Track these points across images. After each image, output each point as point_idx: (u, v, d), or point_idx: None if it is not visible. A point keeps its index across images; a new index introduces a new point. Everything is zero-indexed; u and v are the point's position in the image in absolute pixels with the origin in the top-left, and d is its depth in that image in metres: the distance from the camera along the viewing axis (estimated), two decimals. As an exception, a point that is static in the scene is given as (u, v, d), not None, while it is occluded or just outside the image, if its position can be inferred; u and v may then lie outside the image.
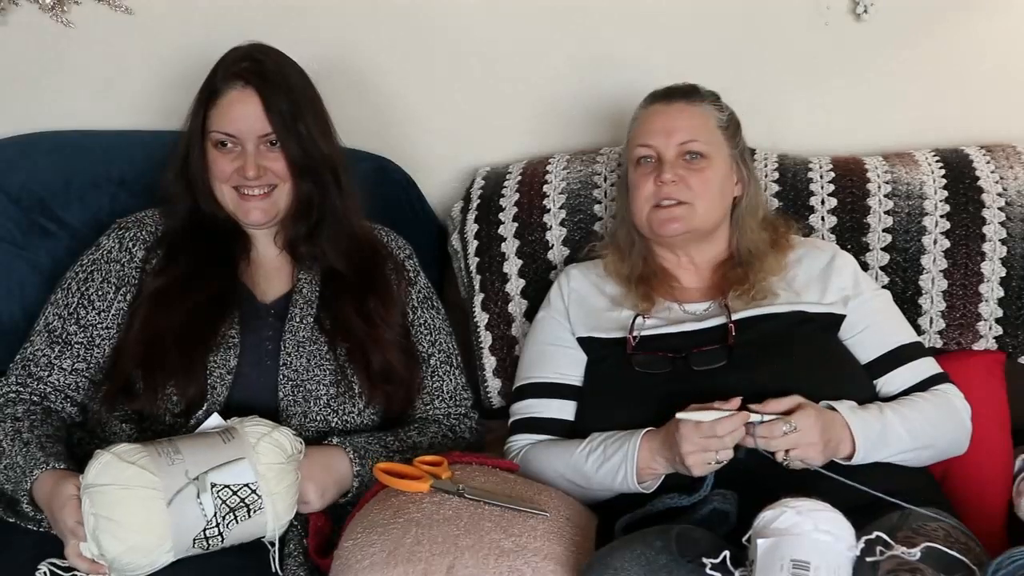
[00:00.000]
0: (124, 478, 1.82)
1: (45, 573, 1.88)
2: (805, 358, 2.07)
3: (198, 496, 1.84)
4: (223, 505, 1.85)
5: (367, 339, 2.16)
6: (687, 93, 2.20)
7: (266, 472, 1.89)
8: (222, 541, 1.87)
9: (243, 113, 2.11)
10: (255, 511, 1.88)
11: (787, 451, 1.90)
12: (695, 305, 2.19)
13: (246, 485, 1.88)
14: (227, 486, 1.86)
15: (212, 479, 1.85)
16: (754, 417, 1.90)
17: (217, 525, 1.85)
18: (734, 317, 2.11)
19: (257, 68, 2.13)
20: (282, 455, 1.92)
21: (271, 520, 1.90)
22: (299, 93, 2.15)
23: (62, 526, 1.87)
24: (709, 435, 1.88)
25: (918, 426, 2.03)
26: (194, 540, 1.85)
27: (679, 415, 1.90)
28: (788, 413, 1.91)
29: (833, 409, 1.98)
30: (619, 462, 2.00)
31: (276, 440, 1.93)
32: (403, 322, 2.24)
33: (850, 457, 1.96)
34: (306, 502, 1.99)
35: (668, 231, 2.15)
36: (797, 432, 1.90)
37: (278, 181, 2.14)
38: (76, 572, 1.88)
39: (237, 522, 1.87)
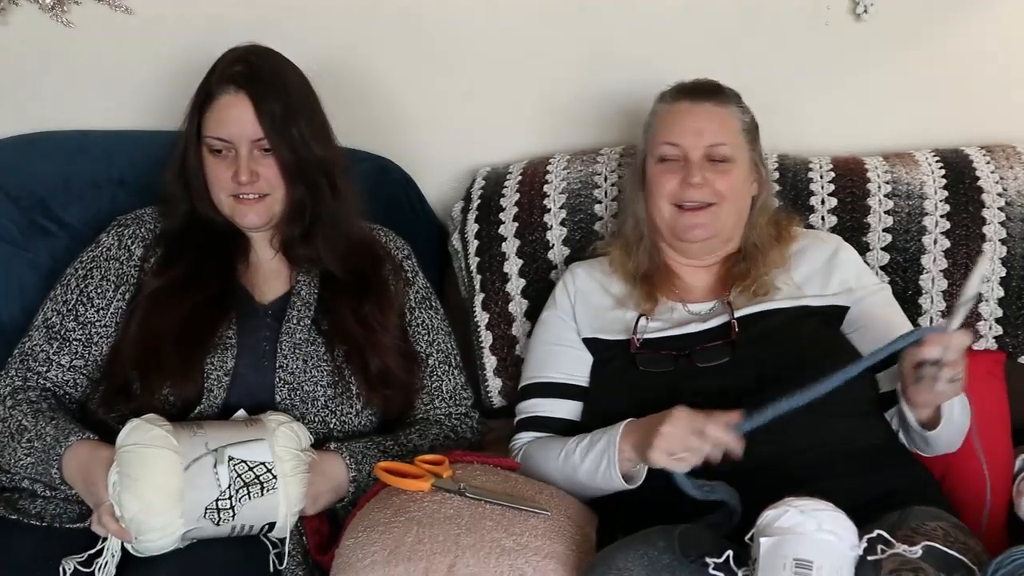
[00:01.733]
0: (147, 438, 1.89)
1: (67, 570, 1.90)
2: (808, 352, 2.06)
3: (215, 466, 1.89)
4: (238, 479, 1.90)
5: (365, 344, 2.16)
6: (714, 93, 2.19)
7: (283, 455, 1.94)
8: (233, 516, 1.90)
9: (235, 117, 2.10)
10: (268, 490, 1.92)
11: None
12: (699, 305, 2.19)
13: (262, 463, 1.92)
14: (244, 461, 1.91)
15: (230, 453, 1.91)
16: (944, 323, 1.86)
17: (230, 498, 1.89)
18: (737, 314, 2.11)
19: (250, 72, 2.12)
20: (299, 442, 1.97)
21: (283, 503, 1.93)
22: (294, 97, 2.14)
23: (100, 487, 1.90)
24: (698, 430, 1.85)
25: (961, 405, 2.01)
26: (206, 509, 1.88)
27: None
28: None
29: None
30: (603, 449, 1.99)
31: (294, 429, 1.98)
32: (401, 324, 2.24)
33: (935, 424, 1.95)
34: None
35: (692, 236, 2.15)
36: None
37: (271, 189, 2.13)
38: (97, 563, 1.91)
39: (250, 498, 1.90)
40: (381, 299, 2.21)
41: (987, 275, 1.84)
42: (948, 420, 1.96)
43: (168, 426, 1.92)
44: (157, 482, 1.87)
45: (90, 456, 1.94)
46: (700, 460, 1.86)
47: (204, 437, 1.91)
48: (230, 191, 2.13)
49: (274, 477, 1.92)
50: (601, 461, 1.99)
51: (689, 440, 1.85)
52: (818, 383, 1.85)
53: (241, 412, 2.04)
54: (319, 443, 2.09)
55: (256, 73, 2.12)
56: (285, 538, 1.99)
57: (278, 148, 2.10)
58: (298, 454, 1.96)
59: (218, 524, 1.90)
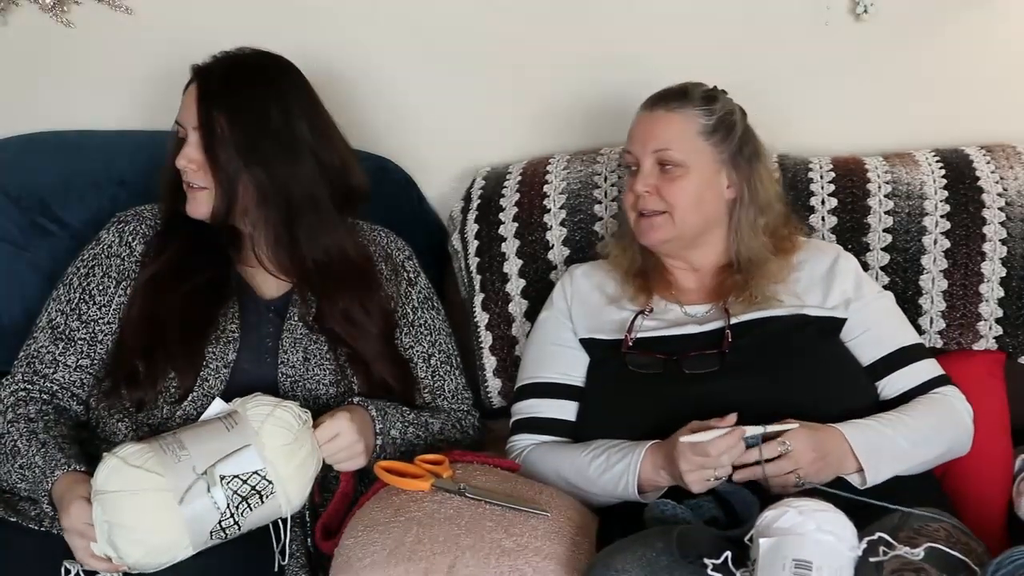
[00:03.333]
0: (132, 483, 1.83)
1: (75, 572, 1.89)
2: (801, 364, 2.07)
3: (209, 490, 1.84)
4: (235, 495, 1.85)
5: (363, 351, 2.16)
6: (672, 97, 2.16)
7: (272, 456, 1.89)
8: (239, 529, 1.88)
9: (187, 102, 2.11)
10: (267, 496, 1.88)
11: (796, 472, 1.89)
12: (697, 307, 2.18)
13: (255, 472, 1.87)
14: (236, 476, 1.86)
15: (220, 471, 1.85)
16: (750, 431, 1.89)
17: (232, 515, 1.86)
18: (733, 321, 2.11)
19: (211, 62, 2.13)
20: (288, 434, 1.91)
21: (284, 504, 1.90)
22: (242, 93, 2.11)
23: (69, 526, 1.88)
24: (702, 454, 1.87)
25: (922, 436, 2.02)
26: (211, 533, 1.85)
27: (681, 439, 1.89)
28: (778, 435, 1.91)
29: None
30: (621, 472, 1.99)
31: (280, 419, 1.92)
32: (390, 332, 2.22)
33: (862, 478, 1.95)
34: (356, 456, 2.01)
35: (649, 240, 2.16)
36: (792, 452, 1.89)
37: (207, 183, 2.09)
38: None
39: (251, 509, 1.87)
40: (370, 306, 2.19)
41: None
42: (877, 469, 1.96)
43: (150, 458, 1.85)
44: (155, 528, 1.82)
45: (65, 493, 1.90)
46: (730, 470, 1.88)
47: (190, 460, 1.84)
48: (182, 178, 2.13)
49: (270, 482, 1.88)
50: (619, 482, 1.99)
51: (705, 464, 1.88)
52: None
53: (217, 403, 1.96)
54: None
55: (215, 64, 2.13)
56: (291, 530, 2.00)
57: (202, 132, 2.08)
58: (290, 447, 1.90)
59: (226, 538, 1.87)
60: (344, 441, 1.99)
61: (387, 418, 2.07)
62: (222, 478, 1.85)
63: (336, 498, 2.02)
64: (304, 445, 1.93)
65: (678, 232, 2.14)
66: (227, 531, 1.86)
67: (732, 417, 1.91)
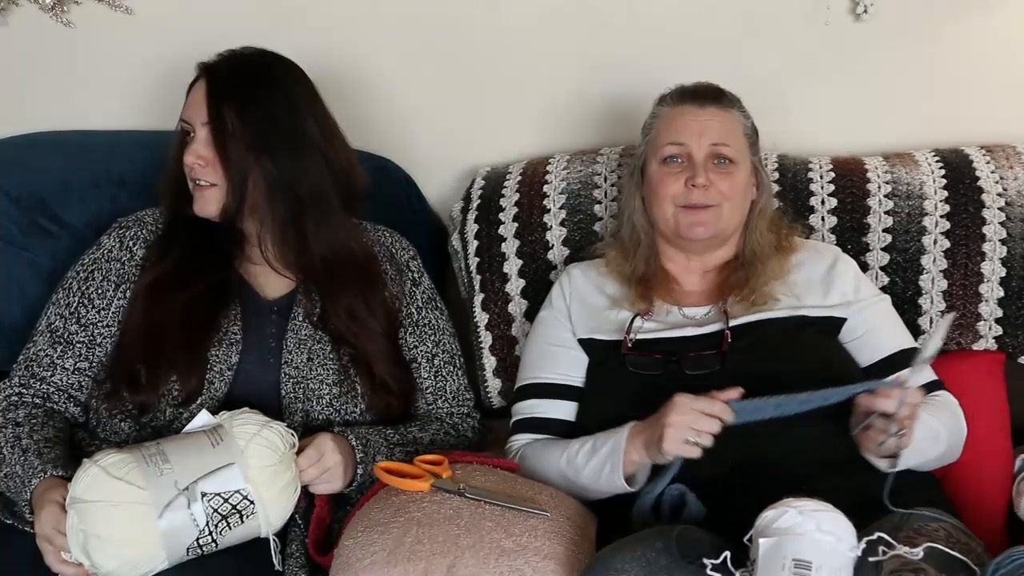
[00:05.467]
0: (112, 494, 1.81)
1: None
2: (801, 365, 2.06)
3: (189, 506, 1.82)
4: (215, 513, 1.84)
5: (365, 349, 2.15)
6: (716, 96, 2.19)
7: (257, 477, 1.87)
8: (216, 547, 1.86)
9: (194, 98, 2.11)
10: (248, 516, 1.87)
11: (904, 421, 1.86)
12: (695, 309, 2.18)
13: (237, 491, 1.85)
14: (218, 494, 1.84)
15: (202, 488, 1.83)
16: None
17: (210, 533, 1.84)
18: (732, 323, 2.11)
19: (217, 60, 2.13)
20: (274, 456, 1.90)
21: (264, 525, 1.89)
22: (247, 88, 2.11)
23: (39, 531, 1.88)
24: (703, 410, 1.87)
25: (932, 432, 2.02)
26: (188, 549, 1.83)
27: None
28: None
29: None
30: (607, 453, 1.99)
31: (267, 439, 1.90)
32: (393, 331, 2.22)
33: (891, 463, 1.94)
34: (334, 480, 1.99)
35: (694, 234, 2.15)
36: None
37: (217, 179, 2.10)
38: None
39: (230, 528, 1.85)
40: (373, 304, 2.20)
41: (944, 338, 1.85)
42: (904, 459, 1.94)
43: (132, 470, 1.82)
44: (132, 541, 1.80)
45: (38, 499, 1.91)
46: (711, 442, 1.87)
47: (172, 474, 1.81)
48: (188, 176, 2.12)
49: (251, 503, 1.86)
50: (604, 465, 1.99)
51: (699, 422, 1.87)
52: (809, 396, 1.88)
53: (203, 415, 1.94)
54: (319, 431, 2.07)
55: (221, 62, 2.13)
56: (288, 540, 1.99)
57: (212, 128, 2.08)
58: (275, 468, 1.89)
59: (202, 554, 1.85)
60: (328, 462, 1.98)
61: (368, 446, 2.05)
62: (203, 495, 1.83)
63: (312, 524, 2.00)
64: (289, 467, 1.92)
65: (721, 228, 2.16)
66: (204, 548, 1.84)
67: (735, 392, 1.90)
